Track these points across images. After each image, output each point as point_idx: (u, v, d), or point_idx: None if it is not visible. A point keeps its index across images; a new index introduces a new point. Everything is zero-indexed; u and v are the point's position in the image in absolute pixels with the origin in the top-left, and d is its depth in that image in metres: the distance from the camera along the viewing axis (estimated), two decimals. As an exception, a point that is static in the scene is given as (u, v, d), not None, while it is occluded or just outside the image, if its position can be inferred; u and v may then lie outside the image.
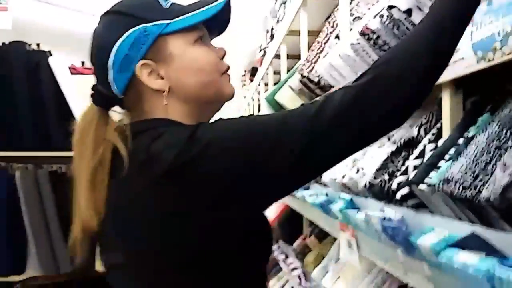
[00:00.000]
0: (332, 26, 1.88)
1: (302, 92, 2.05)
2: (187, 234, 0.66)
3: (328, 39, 1.87)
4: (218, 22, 0.80)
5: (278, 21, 3.32)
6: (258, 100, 4.58)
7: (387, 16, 1.08)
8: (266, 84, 4.08)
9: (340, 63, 1.51)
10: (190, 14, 0.75)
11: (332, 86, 1.72)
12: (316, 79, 1.82)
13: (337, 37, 1.77)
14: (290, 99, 2.24)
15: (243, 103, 6.71)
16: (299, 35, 2.44)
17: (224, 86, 0.79)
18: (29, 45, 2.35)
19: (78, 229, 0.71)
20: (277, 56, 3.32)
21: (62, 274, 0.86)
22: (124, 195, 0.69)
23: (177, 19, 0.75)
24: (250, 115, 0.74)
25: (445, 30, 0.64)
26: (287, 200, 2.81)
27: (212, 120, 0.75)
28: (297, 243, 2.75)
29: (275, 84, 3.25)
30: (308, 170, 0.68)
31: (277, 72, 3.59)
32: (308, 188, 2.12)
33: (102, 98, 0.76)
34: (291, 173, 0.66)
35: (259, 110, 4.07)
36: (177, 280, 0.68)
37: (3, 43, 2.33)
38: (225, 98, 0.80)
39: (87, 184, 0.71)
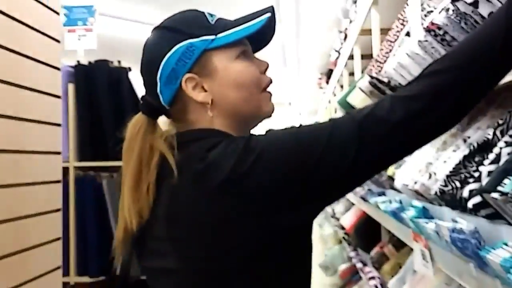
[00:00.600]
0: (402, 23, 1.78)
1: (373, 93, 1.97)
2: (241, 241, 0.67)
3: (398, 37, 1.77)
4: (263, 36, 0.80)
5: (350, 21, 3.24)
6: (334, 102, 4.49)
7: (453, 10, 0.99)
8: (342, 86, 3.98)
9: (409, 62, 1.43)
10: (233, 30, 0.76)
11: (402, 87, 1.63)
12: (386, 80, 1.73)
13: (407, 34, 1.67)
14: (361, 101, 2.17)
15: (320, 106, 6.63)
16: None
17: (263, 104, 0.79)
18: (111, 62, 2.54)
19: (121, 230, 0.75)
20: (351, 57, 3.23)
21: (104, 280, 0.90)
22: (178, 202, 0.71)
23: (221, 35, 0.76)
24: (300, 125, 0.73)
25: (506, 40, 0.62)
26: (364, 207, 2.71)
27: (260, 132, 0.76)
28: (374, 251, 2.64)
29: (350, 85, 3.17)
30: (357, 177, 0.70)
31: (352, 74, 3.50)
32: (383, 194, 2.03)
33: (150, 108, 0.79)
34: (341, 180, 0.68)
35: (335, 113, 4.00)
36: (227, 285, 0.69)
37: (89, 62, 2.54)
38: (262, 116, 0.80)
39: (131, 187, 0.74)
